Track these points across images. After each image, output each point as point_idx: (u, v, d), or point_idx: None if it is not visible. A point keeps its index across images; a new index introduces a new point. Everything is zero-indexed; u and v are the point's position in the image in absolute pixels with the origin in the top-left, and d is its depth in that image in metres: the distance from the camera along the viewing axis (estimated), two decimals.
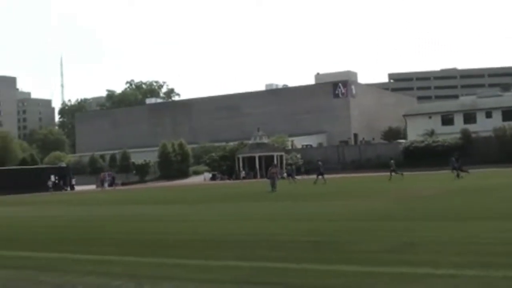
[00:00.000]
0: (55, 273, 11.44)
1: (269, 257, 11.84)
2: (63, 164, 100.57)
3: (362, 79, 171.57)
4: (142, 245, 15.05)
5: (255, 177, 73.03)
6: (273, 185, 37.70)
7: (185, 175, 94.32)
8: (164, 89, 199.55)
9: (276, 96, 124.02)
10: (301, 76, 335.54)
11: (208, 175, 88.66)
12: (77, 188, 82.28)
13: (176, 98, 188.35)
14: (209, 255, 12.46)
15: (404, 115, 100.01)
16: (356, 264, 10.45)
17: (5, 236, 20.01)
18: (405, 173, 51.41)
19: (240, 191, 44.73)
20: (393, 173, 51.95)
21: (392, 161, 55.25)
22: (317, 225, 17.98)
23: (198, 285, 9.57)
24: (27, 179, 77.94)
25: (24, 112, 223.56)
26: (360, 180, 54.29)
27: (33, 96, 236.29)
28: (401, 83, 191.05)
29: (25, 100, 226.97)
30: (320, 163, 54.01)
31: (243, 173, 72.78)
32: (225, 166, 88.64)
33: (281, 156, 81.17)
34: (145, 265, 11.73)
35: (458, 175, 47.21)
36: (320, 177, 49.79)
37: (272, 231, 16.93)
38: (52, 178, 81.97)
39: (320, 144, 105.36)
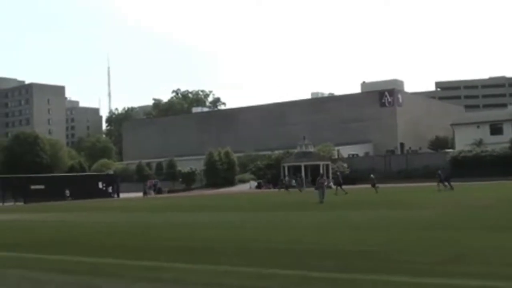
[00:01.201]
0: (107, 279, 11.64)
1: (317, 266, 11.86)
2: (111, 172, 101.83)
3: (409, 87, 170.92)
4: (192, 252, 15.19)
5: (300, 186, 72.65)
6: (321, 195, 37.47)
7: (231, 183, 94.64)
8: (210, 98, 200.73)
9: (322, 104, 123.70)
10: (347, 84, 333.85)
11: (253, 183, 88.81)
12: (124, 195, 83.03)
13: (222, 107, 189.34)
14: (258, 263, 12.52)
15: (451, 124, 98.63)
16: (406, 275, 10.39)
17: (60, 241, 20.36)
18: (453, 183, 50.69)
19: (287, 200, 44.63)
20: (440, 184, 51.44)
21: (439, 171, 54.65)
22: (365, 235, 17.93)
23: None
24: (77, 186, 79.03)
25: (72, 120, 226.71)
26: (407, 190, 53.80)
27: (81, 104, 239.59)
28: (449, 91, 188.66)
29: (74, 109, 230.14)
30: (372, 176, 54.55)
31: (293, 182, 72.47)
32: (270, 175, 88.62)
33: (327, 165, 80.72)
34: (195, 272, 11.86)
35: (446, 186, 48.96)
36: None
37: (319, 240, 16.95)
38: (100, 185, 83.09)
39: (366, 154, 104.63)
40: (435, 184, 51.70)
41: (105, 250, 16.90)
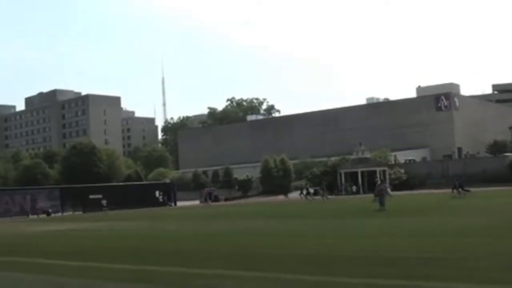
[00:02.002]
0: (166, 286, 11.63)
1: (381, 273, 11.69)
2: (167, 180, 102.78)
3: (465, 91, 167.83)
4: (252, 260, 15.14)
5: (358, 192, 72.03)
6: (381, 202, 36.84)
7: (286, 190, 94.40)
8: (264, 106, 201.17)
9: (377, 110, 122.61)
10: (402, 89, 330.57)
11: (311, 190, 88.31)
12: (181, 203, 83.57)
13: (276, 114, 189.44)
14: (321, 271, 12.39)
15: (510, 128, 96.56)
16: (471, 282, 10.19)
17: (119, 249, 20.59)
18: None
19: (345, 207, 44.23)
20: (455, 190, 50.63)
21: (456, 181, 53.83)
22: (426, 242, 17.66)
23: None
24: (134, 195, 79.96)
25: (128, 130, 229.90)
26: (467, 196, 52.75)
27: (137, 114, 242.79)
28: (506, 94, 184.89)
29: (129, 119, 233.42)
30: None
31: (354, 188, 71.75)
32: (326, 182, 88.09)
33: (384, 171, 79.77)
34: (255, 279, 11.78)
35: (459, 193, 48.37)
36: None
37: (381, 248, 16.75)
38: (157, 193, 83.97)
39: (423, 159, 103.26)
40: (495, 189, 50.82)
41: (165, 257, 17.00)
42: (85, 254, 19.48)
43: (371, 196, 44.29)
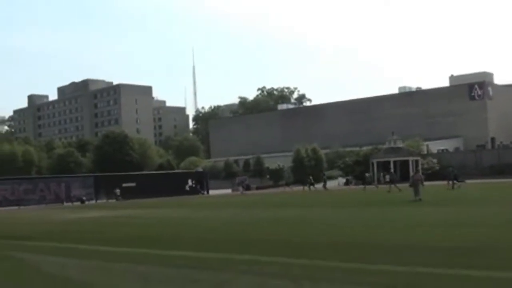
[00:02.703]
0: (212, 272, 11.79)
1: (423, 262, 11.71)
2: (200, 169, 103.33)
3: (499, 80, 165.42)
4: (292, 247, 15.23)
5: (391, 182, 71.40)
6: (416, 193, 36.60)
7: (318, 180, 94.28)
8: (295, 95, 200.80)
9: (410, 99, 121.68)
10: (434, 78, 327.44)
11: (342, 180, 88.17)
12: (212, 192, 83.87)
13: (307, 103, 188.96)
14: (364, 259, 12.44)
15: None
16: None
17: (164, 237, 20.91)
18: None
19: (380, 197, 44.00)
20: (451, 181, 50.25)
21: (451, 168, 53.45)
22: (466, 231, 17.59)
23: (356, 287, 9.58)
24: (167, 183, 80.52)
25: (159, 119, 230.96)
26: (501, 186, 52.27)
27: (168, 104, 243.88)
28: None
29: (161, 108, 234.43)
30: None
31: (387, 178, 71.02)
32: (358, 171, 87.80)
33: (416, 161, 79.27)
34: (300, 266, 11.85)
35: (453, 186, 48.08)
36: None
37: (422, 237, 16.74)
38: (190, 182, 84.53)
39: (456, 149, 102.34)
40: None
41: (206, 245, 17.18)
42: (126, 240, 19.78)
43: (405, 185, 43.94)
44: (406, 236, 17.30)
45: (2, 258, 16.14)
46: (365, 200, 40.88)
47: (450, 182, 49.59)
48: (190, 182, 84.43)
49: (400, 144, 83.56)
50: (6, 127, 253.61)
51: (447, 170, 53.68)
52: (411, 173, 51.21)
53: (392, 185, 50.96)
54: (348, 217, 26.07)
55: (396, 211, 28.08)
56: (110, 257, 15.23)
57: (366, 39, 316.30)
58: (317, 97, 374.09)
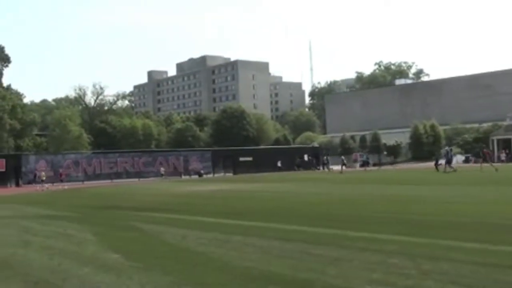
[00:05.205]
0: (328, 247, 11.75)
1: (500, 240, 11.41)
2: (316, 144, 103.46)
3: None
4: (411, 225, 14.97)
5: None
6: None
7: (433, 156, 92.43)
8: (413, 70, 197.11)
9: None
10: None
11: (461, 157, 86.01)
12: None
13: (425, 78, 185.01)
14: (486, 238, 12.07)
15: None
16: None
17: (281, 210, 21.15)
18: None
19: (505, 175, 42.33)
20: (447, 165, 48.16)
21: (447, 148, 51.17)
22: None
23: (477, 268, 9.29)
24: (283, 158, 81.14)
25: (276, 95, 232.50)
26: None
27: (284, 79, 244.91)
28: None
29: (277, 84, 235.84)
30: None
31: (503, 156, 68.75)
32: (478, 148, 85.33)
33: None
34: (418, 245, 11.63)
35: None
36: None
37: (497, 214, 16.35)
38: (305, 157, 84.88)
39: None
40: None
41: (320, 220, 17.19)
42: (244, 213, 20.11)
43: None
44: (487, 213, 16.79)
45: (129, 228, 16.86)
46: (482, 179, 39.51)
47: (447, 165, 49.01)
48: (306, 157, 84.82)
49: None
50: (127, 102, 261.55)
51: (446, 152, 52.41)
52: None
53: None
54: (464, 195, 25.30)
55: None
56: (229, 229, 15.48)
57: (488, 12, 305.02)
58: (435, 72, 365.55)
